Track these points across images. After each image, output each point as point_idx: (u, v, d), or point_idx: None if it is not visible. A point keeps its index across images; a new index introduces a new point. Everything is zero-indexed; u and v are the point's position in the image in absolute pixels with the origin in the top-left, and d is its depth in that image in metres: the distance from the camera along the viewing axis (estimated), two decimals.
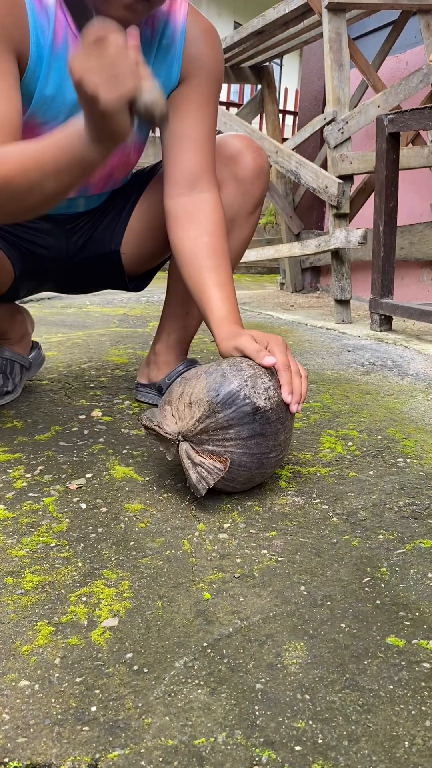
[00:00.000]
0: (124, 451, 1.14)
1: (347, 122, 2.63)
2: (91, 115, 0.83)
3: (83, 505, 0.93)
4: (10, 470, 1.04)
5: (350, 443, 1.23)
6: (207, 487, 0.90)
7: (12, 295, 1.31)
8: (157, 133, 5.16)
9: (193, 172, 1.13)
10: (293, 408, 0.96)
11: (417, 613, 0.72)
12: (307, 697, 0.59)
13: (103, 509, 0.93)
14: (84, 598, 0.72)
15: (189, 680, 0.60)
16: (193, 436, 0.92)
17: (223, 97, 6.88)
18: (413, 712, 0.58)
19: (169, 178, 1.15)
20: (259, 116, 4.78)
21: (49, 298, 2.98)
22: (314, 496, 1.00)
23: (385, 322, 2.47)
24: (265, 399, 0.92)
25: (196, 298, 1.09)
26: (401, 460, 1.16)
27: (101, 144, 0.86)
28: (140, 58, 0.82)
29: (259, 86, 3.85)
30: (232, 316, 1.05)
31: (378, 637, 0.67)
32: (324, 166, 3.33)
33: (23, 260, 1.26)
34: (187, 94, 1.13)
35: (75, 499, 0.95)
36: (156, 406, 1.39)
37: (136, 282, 1.42)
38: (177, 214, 1.13)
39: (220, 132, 3.30)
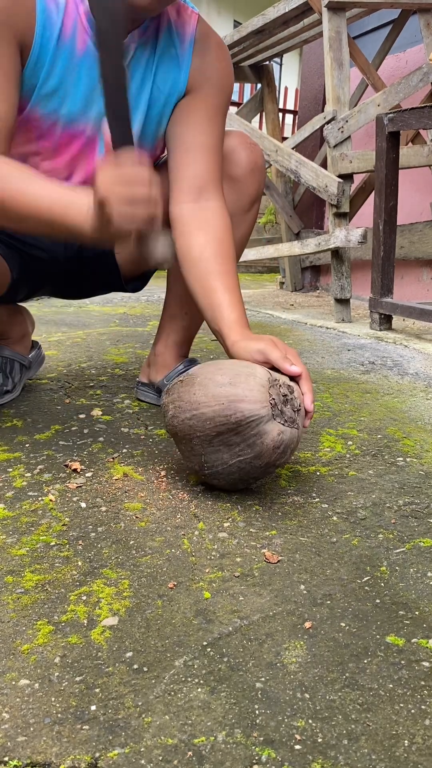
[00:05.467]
0: (124, 450, 1.14)
1: (347, 121, 2.63)
2: (100, 224, 0.91)
3: (83, 504, 0.93)
4: (10, 469, 1.04)
5: (350, 442, 1.23)
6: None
7: (9, 298, 1.31)
8: None
9: (201, 181, 1.12)
10: (306, 423, 0.96)
11: (417, 612, 0.72)
12: (307, 696, 0.59)
13: (103, 508, 0.93)
14: (84, 597, 0.72)
15: (189, 679, 0.60)
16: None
17: None
18: (413, 710, 0.58)
19: (176, 184, 1.14)
20: (258, 115, 4.77)
21: (48, 297, 2.98)
22: (314, 495, 1.00)
23: (385, 321, 2.47)
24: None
25: (203, 302, 1.08)
26: (401, 459, 1.16)
27: (94, 236, 0.93)
28: (159, 201, 0.91)
29: (259, 85, 3.85)
30: (243, 321, 1.04)
31: (378, 636, 0.67)
32: (324, 165, 3.32)
33: (21, 263, 1.25)
34: (194, 103, 1.13)
35: (75, 498, 0.95)
36: (155, 406, 1.40)
37: (134, 283, 1.41)
38: (184, 221, 1.12)
39: None
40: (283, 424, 0.91)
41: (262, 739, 0.54)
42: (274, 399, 0.91)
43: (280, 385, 0.93)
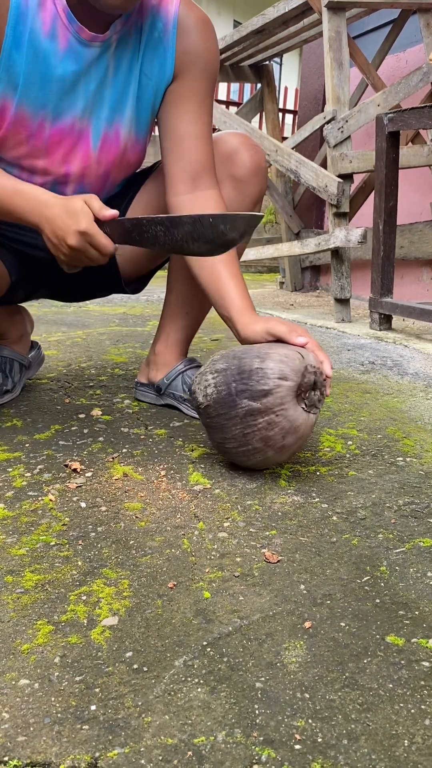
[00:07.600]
0: (124, 450, 1.14)
1: (347, 121, 2.63)
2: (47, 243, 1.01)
3: (83, 504, 0.93)
4: (10, 469, 1.04)
5: (350, 442, 1.23)
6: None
7: (7, 300, 1.31)
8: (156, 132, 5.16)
9: (195, 170, 1.14)
10: (327, 391, 1.04)
11: (416, 612, 0.72)
12: (307, 695, 0.59)
13: (103, 508, 0.93)
14: (84, 597, 0.72)
15: (189, 679, 0.60)
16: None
17: (222, 96, 6.86)
18: (413, 710, 0.58)
19: (171, 175, 1.15)
20: (258, 115, 4.78)
21: None
22: (314, 495, 1.00)
23: (385, 321, 2.47)
24: (203, 396, 1.04)
25: (210, 288, 1.12)
26: (401, 459, 1.16)
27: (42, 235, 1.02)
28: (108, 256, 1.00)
29: (259, 85, 3.85)
30: (250, 305, 1.10)
31: (377, 636, 0.67)
32: (324, 165, 3.33)
33: (20, 265, 1.25)
34: (183, 90, 1.13)
35: (75, 498, 0.95)
36: (155, 405, 1.40)
37: (134, 285, 1.41)
38: (182, 211, 1.15)
39: (219, 130, 3.30)
40: (305, 409, 1.01)
41: (262, 738, 0.54)
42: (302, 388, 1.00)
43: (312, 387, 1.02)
